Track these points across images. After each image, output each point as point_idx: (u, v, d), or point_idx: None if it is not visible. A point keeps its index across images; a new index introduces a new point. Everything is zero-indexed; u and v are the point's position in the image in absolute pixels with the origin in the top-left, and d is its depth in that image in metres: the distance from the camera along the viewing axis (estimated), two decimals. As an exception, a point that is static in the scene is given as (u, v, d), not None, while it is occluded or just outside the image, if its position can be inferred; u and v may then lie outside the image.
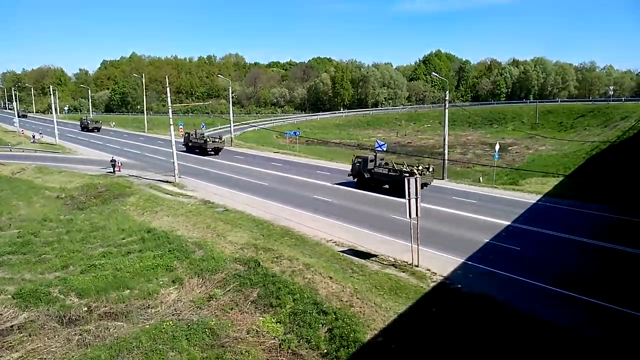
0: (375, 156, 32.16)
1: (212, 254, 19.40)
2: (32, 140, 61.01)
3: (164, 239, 21.76)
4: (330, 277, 16.32)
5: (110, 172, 38.14)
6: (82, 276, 18.07)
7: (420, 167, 30.24)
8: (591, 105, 76.76)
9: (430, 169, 30.53)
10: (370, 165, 31.39)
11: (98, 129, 74.99)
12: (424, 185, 28.74)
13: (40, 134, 65.04)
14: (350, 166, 32.92)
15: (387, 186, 31.02)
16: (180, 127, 62.33)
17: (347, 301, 14.76)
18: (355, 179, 32.62)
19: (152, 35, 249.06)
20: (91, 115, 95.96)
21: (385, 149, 39.20)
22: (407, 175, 27.22)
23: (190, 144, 51.64)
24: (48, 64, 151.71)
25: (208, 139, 49.63)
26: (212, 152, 49.34)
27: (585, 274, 16.48)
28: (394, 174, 30.15)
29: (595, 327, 12.85)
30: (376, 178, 31.34)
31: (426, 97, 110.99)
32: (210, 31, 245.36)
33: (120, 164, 39.57)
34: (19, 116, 77.65)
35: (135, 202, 29.07)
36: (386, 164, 31.84)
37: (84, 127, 75.66)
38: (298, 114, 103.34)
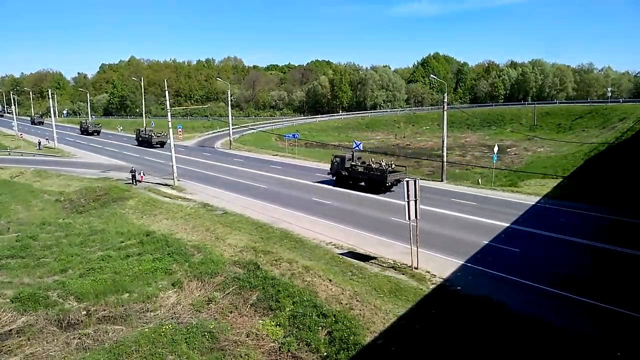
0: (152, 131, 61.32)
1: (211, 257, 19.39)
2: (37, 147, 56.30)
3: (163, 242, 21.74)
4: (330, 280, 16.31)
5: (130, 183, 34.75)
6: (80, 280, 18.05)
7: (162, 133, 59.21)
8: (589, 106, 76.68)
9: (164, 134, 57.43)
10: (149, 135, 59.96)
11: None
12: (161, 143, 57.79)
13: (47, 139, 60.37)
14: None
15: (158, 145, 57.87)
16: (179, 129, 62.32)
17: (346, 304, 14.76)
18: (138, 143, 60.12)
19: (151, 39, 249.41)
20: (90, 118, 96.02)
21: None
22: (158, 137, 58.51)
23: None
24: (47, 67, 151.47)
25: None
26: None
27: (585, 276, 16.49)
28: (155, 137, 58.68)
29: (596, 328, 12.84)
30: (143, 140, 59.69)
31: (424, 99, 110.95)
32: (208, 34, 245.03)
33: (142, 174, 36.06)
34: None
35: (134, 205, 29.04)
36: (159, 134, 59.36)
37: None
38: (297, 117, 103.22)
